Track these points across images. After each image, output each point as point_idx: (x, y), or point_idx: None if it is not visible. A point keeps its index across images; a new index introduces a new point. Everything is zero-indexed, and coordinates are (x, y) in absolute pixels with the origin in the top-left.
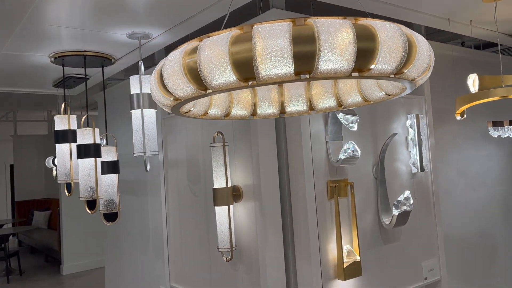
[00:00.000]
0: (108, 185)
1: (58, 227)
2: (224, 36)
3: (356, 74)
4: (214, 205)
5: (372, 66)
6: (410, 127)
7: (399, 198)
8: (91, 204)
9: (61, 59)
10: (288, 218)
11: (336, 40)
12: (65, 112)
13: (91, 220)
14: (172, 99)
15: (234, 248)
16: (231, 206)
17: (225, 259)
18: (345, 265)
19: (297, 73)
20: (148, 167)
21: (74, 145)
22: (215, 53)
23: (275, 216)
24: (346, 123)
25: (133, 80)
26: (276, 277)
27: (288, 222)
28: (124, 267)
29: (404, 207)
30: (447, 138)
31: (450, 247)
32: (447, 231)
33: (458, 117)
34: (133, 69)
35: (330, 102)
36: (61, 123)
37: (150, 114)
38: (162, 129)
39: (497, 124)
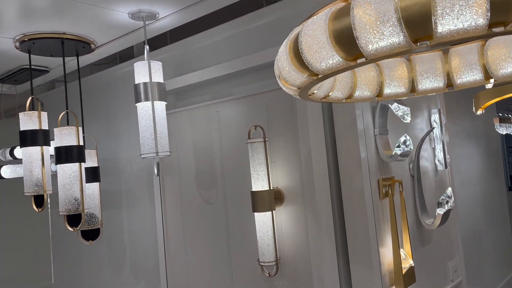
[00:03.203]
0: (89, 196)
1: None
2: None
3: (501, 29)
4: (254, 211)
5: None
6: (435, 122)
7: (442, 196)
8: (73, 219)
9: (30, 43)
10: (338, 222)
11: None
12: (32, 108)
13: (23, 242)
14: (307, 74)
15: (278, 261)
16: (274, 212)
17: (267, 274)
18: (403, 272)
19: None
20: (156, 171)
21: (46, 149)
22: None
23: (328, 221)
24: (401, 115)
25: (139, 67)
26: None
27: (338, 226)
28: None
29: (448, 206)
30: None
31: None
32: None
33: (480, 112)
34: (84, 70)
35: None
36: (29, 121)
37: (161, 107)
38: None
39: (504, 120)
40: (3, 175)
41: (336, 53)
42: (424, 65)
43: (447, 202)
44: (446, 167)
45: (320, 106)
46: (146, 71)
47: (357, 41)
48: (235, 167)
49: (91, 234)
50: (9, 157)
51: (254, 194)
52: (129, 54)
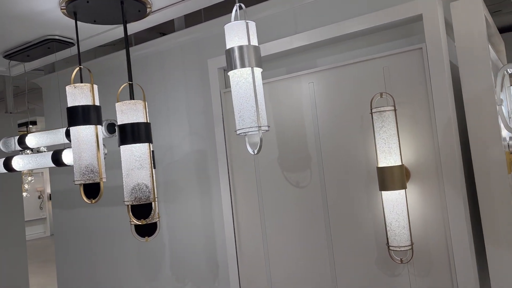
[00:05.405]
0: None
1: None
2: None
3: None
4: (382, 190)
5: None
6: None
7: None
8: (139, 210)
9: (83, 1)
10: (469, 201)
11: None
12: (79, 80)
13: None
14: None
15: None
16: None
17: (398, 261)
18: None
19: None
20: (257, 149)
21: (100, 128)
22: None
23: (463, 201)
24: None
25: (233, 29)
26: (469, 275)
27: (469, 206)
28: None
29: None
30: None
31: None
32: None
33: None
34: (88, 54)
35: None
36: (80, 95)
37: (259, 75)
38: (223, 101)
39: None
40: (15, 167)
41: None
42: None
43: None
44: None
45: (450, 73)
46: (244, 33)
47: None
48: (337, 143)
49: (148, 229)
50: (17, 147)
51: (382, 170)
52: (142, 38)
